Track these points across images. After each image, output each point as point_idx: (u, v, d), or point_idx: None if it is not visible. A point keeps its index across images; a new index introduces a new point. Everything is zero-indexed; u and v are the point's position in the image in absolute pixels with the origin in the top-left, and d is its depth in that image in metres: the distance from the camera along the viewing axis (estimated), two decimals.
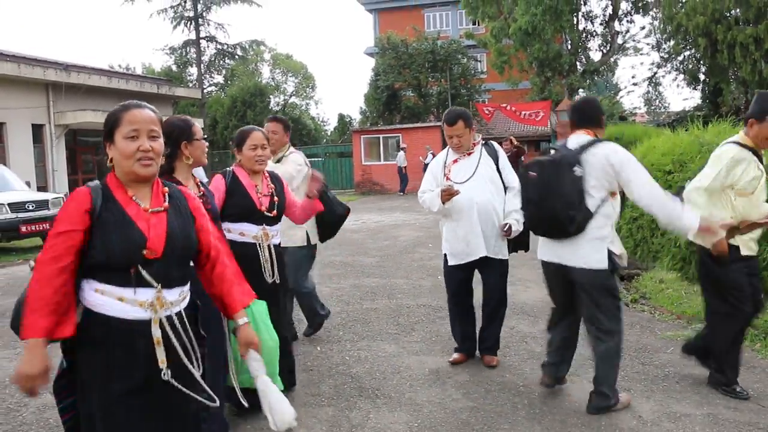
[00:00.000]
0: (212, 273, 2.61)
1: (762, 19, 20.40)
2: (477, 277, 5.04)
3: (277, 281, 4.09)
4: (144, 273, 2.29)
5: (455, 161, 4.96)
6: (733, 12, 21.94)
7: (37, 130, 22.87)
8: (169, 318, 2.34)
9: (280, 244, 4.26)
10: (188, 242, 2.46)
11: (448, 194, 4.71)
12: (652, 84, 36.04)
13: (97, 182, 2.39)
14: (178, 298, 2.40)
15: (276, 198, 4.09)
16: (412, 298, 7.46)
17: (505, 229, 4.77)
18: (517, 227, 4.77)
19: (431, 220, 14.94)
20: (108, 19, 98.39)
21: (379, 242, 12.48)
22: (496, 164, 4.92)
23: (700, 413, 4.03)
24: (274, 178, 4.25)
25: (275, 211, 4.07)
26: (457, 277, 5.01)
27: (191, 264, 2.58)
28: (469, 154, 4.93)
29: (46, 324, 2.20)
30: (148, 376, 2.30)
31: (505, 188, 4.89)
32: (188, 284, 2.50)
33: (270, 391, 2.53)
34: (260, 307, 3.53)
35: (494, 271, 4.91)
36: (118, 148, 2.34)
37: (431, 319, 6.46)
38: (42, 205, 13.14)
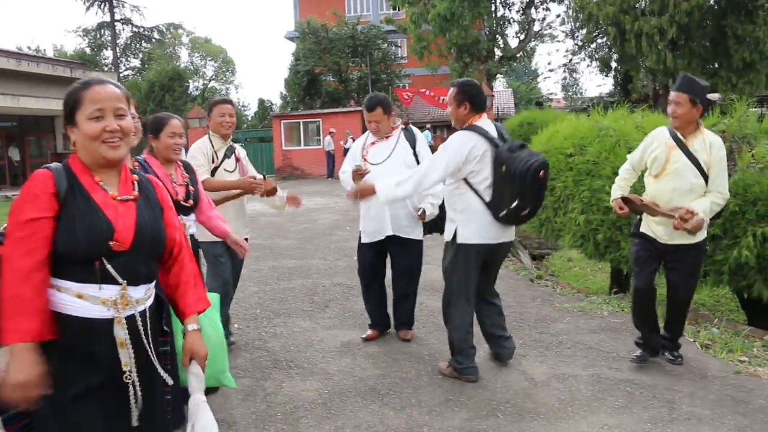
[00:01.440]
0: (170, 272, 2.40)
1: (665, 11, 21.34)
2: None
3: None
4: (109, 267, 2.08)
5: (373, 144, 5.18)
6: (640, 3, 22.85)
7: None
8: (132, 317, 2.14)
9: (194, 235, 4.16)
10: (158, 236, 2.26)
11: (358, 174, 4.95)
12: (568, 70, 37.27)
13: (58, 164, 2.15)
14: (143, 296, 2.20)
15: (191, 187, 4.01)
16: (327, 278, 7.68)
17: (419, 213, 4.96)
18: (432, 211, 4.94)
19: (350, 204, 15.14)
20: None
21: (298, 225, 12.61)
22: (413, 148, 5.10)
23: (586, 374, 4.42)
24: (188, 168, 4.15)
25: (191, 201, 3.96)
26: (369, 255, 5.23)
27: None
28: (387, 137, 5.12)
29: (34, 326, 1.97)
30: (108, 377, 2.12)
31: None
32: (154, 281, 2.30)
33: (201, 412, 2.27)
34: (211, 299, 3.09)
35: (405, 250, 5.10)
36: (82, 130, 2.11)
37: (345, 296, 6.71)
38: None
